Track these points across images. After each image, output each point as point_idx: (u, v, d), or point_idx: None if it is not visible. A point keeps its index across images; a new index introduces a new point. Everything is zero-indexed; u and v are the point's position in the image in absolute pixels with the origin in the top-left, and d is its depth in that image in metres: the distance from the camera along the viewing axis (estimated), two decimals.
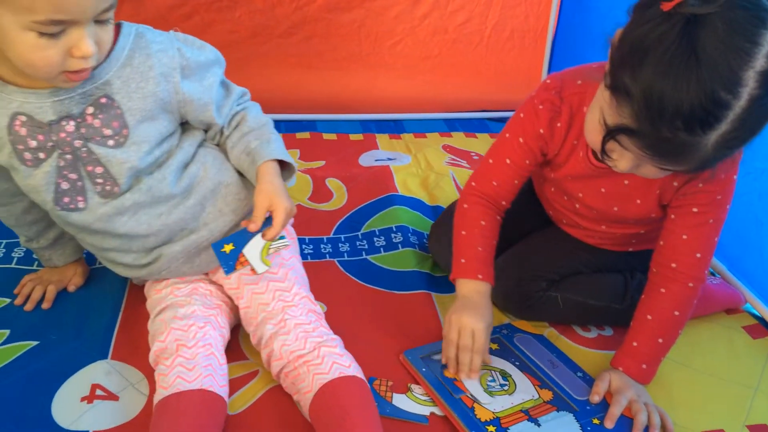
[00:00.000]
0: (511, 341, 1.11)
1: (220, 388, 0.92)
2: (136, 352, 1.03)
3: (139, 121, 0.93)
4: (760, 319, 1.22)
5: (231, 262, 0.96)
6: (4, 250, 1.24)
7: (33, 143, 0.90)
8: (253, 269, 0.97)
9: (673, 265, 0.99)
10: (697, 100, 0.72)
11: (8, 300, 1.12)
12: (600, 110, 0.83)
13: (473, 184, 1.12)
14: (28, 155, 0.91)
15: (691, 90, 0.72)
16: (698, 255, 0.99)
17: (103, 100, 0.90)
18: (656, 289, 1.01)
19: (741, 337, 1.18)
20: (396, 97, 1.97)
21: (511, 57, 1.99)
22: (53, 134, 0.90)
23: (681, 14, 0.73)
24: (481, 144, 1.86)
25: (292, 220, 1.11)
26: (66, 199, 0.95)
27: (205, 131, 1.04)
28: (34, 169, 0.92)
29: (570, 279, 1.14)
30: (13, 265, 1.21)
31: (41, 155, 0.91)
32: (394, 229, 1.41)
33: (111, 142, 0.92)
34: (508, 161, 1.07)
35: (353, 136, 1.84)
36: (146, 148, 0.94)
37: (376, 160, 1.71)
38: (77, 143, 0.91)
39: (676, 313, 1.00)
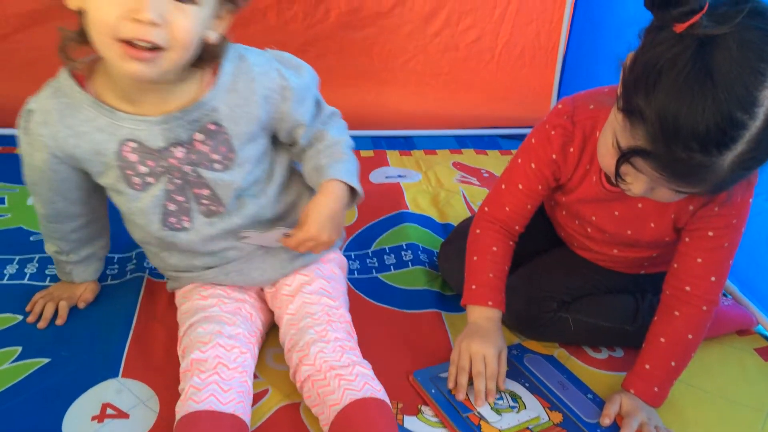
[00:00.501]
0: (520, 362, 1.11)
1: (247, 416, 0.92)
2: (147, 370, 1.04)
3: (244, 143, 0.95)
4: None
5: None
6: (17, 266, 1.25)
7: (143, 169, 0.92)
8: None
9: (687, 288, 0.99)
10: (713, 120, 0.71)
11: (21, 317, 1.13)
12: (613, 134, 0.83)
13: (486, 209, 1.12)
14: (137, 180, 0.93)
15: (706, 110, 0.71)
16: (713, 279, 0.98)
17: (211, 127, 0.92)
18: (670, 311, 1.01)
19: (753, 359, 1.17)
20: (407, 113, 1.98)
21: (522, 74, 2.00)
22: (163, 160, 0.92)
23: (694, 36, 0.73)
24: (491, 161, 1.87)
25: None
26: (172, 220, 0.98)
27: (291, 145, 1.06)
28: (142, 193, 0.95)
29: (581, 300, 1.14)
30: (25, 281, 1.22)
31: (150, 180, 0.94)
32: (405, 247, 1.41)
33: (218, 166, 0.94)
34: (520, 186, 1.08)
35: (364, 153, 1.85)
36: (248, 168, 0.97)
37: (387, 177, 1.72)
38: (187, 168, 0.93)
39: (690, 336, 1.00)
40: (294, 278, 1.08)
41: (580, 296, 1.14)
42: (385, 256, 1.38)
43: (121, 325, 1.13)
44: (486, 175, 1.77)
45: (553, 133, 1.01)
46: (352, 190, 1.02)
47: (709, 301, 0.99)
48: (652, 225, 1.01)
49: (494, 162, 1.86)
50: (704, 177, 0.77)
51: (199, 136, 0.92)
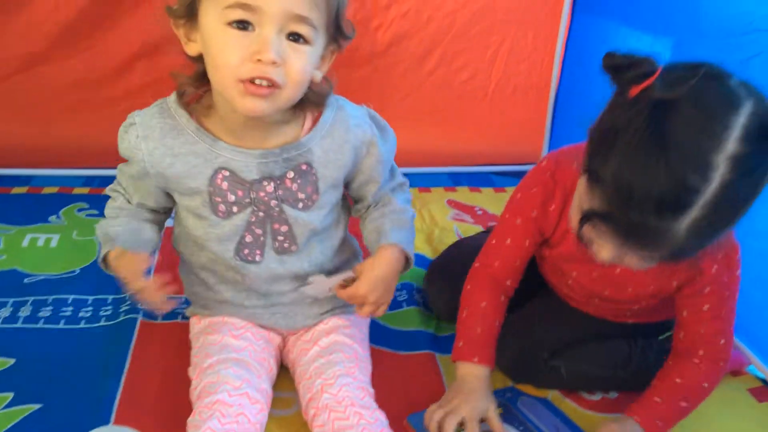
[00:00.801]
0: (515, 405, 1.11)
1: None
2: (140, 415, 1.03)
3: (329, 187, 1.00)
4: (765, 381, 1.21)
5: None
6: (11, 309, 1.26)
7: (232, 197, 0.96)
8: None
9: (701, 352, 1.01)
10: (666, 184, 0.71)
11: (13, 360, 1.13)
12: (579, 196, 0.84)
13: (477, 264, 1.13)
14: (222, 207, 0.97)
15: (660, 175, 0.71)
16: (722, 341, 1.00)
17: (304, 167, 0.97)
18: (689, 358, 1.02)
19: (746, 399, 1.17)
20: (402, 150, 1.94)
21: (514, 112, 2.02)
22: (253, 192, 0.96)
23: (649, 99, 0.73)
24: (485, 198, 1.88)
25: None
26: (246, 251, 1.01)
27: (356, 202, 1.11)
28: (224, 221, 0.98)
29: (573, 348, 1.14)
30: (18, 324, 1.22)
31: (235, 209, 0.97)
32: (399, 287, 1.41)
33: (300, 205, 0.99)
34: (508, 242, 1.08)
35: None
36: (325, 212, 1.02)
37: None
38: (273, 203, 0.98)
39: (705, 385, 1.01)
40: (330, 320, 1.10)
41: (571, 343, 1.14)
42: None
43: (113, 369, 1.12)
44: (480, 212, 1.78)
45: (534, 190, 1.03)
46: (406, 260, 1.06)
47: (724, 360, 1.01)
48: (630, 289, 1.02)
49: (488, 199, 1.87)
50: (661, 241, 0.75)
51: (290, 174, 0.97)
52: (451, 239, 1.61)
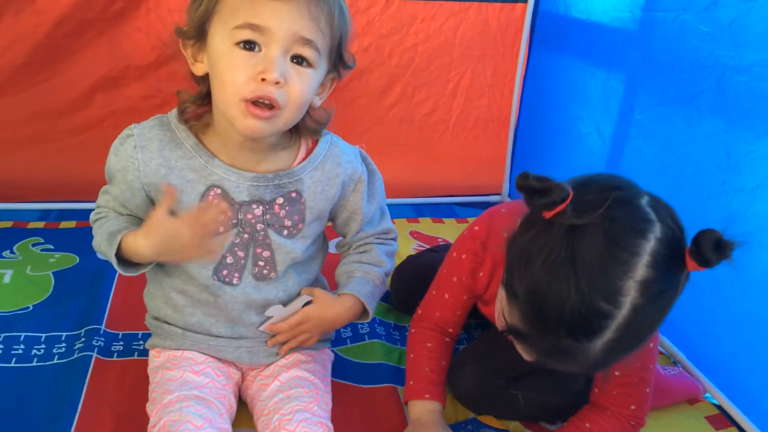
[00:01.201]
0: None
1: None
2: None
3: (314, 218, 1.03)
4: (722, 409, 1.23)
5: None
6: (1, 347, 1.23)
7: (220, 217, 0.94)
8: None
9: (611, 410, 1.02)
10: (577, 309, 0.72)
11: None
12: (501, 300, 0.85)
13: (420, 312, 1.16)
14: None
15: (571, 299, 0.72)
16: (633, 407, 1.01)
17: (294, 195, 1.00)
18: (603, 410, 1.03)
19: (703, 427, 1.19)
20: None
21: (476, 145, 2.05)
22: (241, 213, 0.98)
23: (561, 224, 0.74)
24: (447, 229, 1.89)
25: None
26: (224, 272, 1.01)
27: (343, 237, 1.14)
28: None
29: (529, 376, 1.14)
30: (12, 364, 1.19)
31: (221, 229, 0.97)
32: None
33: (285, 232, 1.01)
34: (446, 296, 1.12)
35: None
36: (308, 243, 1.04)
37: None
38: (259, 227, 0.99)
39: None
40: (292, 356, 1.10)
41: (527, 372, 1.15)
42: (342, 330, 1.37)
43: (67, 407, 1.09)
44: (442, 242, 1.79)
45: (464, 257, 1.06)
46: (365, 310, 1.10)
47: (637, 423, 1.01)
48: None
49: (451, 230, 1.88)
50: (577, 360, 0.77)
51: (280, 200, 0.99)
52: None
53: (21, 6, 1.58)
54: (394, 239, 1.16)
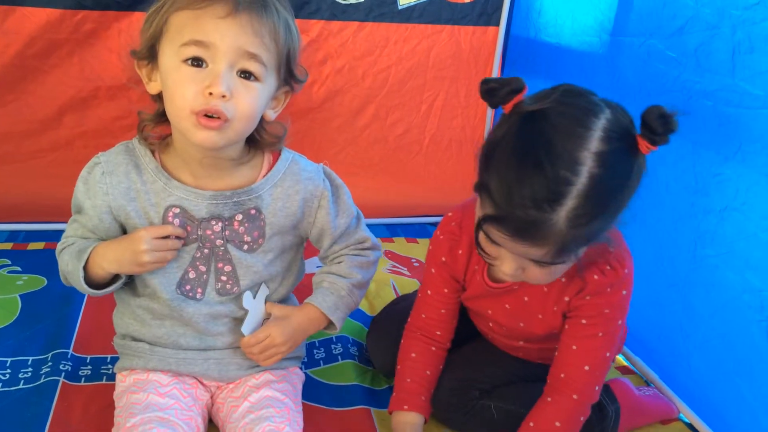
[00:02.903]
0: None
1: None
2: None
3: (275, 233, 1.04)
4: (693, 428, 1.24)
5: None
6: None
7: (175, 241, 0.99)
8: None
9: (562, 375, 1.02)
10: (540, 180, 0.79)
11: None
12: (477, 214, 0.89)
13: (409, 320, 1.17)
14: None
15: (534, 173, 0.79)
16: (586, 368, 1.01)
17: (252, 212, 1.02)
18: (544, 398, 1.03)
19: None
20: None
21: (449, 165, 2.07)
22: (201, 230, 1.00)
23: (520, 113, 0.83)
24: (421, 249, 1.89)
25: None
26: (187, 287, 1.03)
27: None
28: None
29: (502, 388, 1.15)
30: None
31: (182, 242, 1.00)
32: (334, 340, 1.40)
33: (245, 247, 1.03)
34: (429, 293, 1.13)
35: None
36: (271, 257, 1.06)
37: (317, 267, 1.71)
38: (218, 242, 1.02)
39: (557, 424, 1.01)
40: (262, 375, 1.09)
41: (500, 384, 1.16)
42: (315, 350, 1.37)
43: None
44: (416, 264, 1.79)
45: (441, 237, 1.09)
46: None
47: (581, 391, 1.01)
48: (540, 317, 1.05)
49: (425, 250, 1.83)
50: (544, 233, 0.81)
51: (239, 217, 1.01)
52: (388, 293, 1.62)
53: None
54: (370, 249, 1.16)
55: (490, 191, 0.83)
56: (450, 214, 1.10)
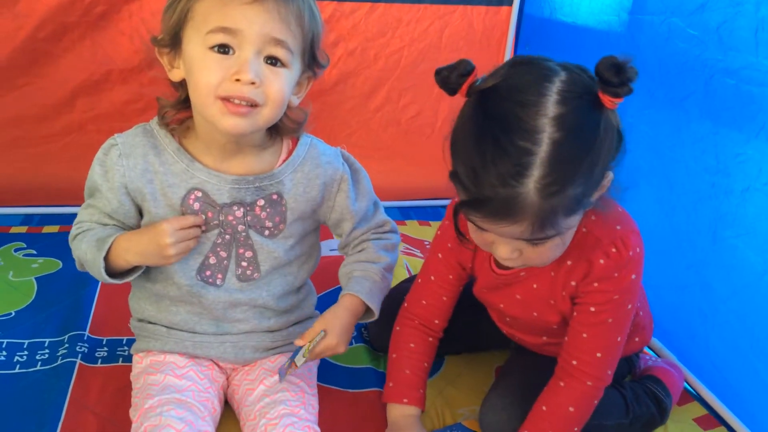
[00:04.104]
0: None
1: None
2: None
3: (296, 219, 1.04)
4: (712, 409, 1.23)
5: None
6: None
7: (202, 218, 0.99)
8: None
9: (574, 362, 0.99)
10: (500, 156, 0.77)
11: None
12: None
13: (405, 305, 1.14)
14: None
15: (493, 150, 0.77)
16: (598, 355, 0.97)
17: (274, 197, 1.01)
18: (557, 382, 1.00)
19: (692, 429, 1.19)
20: None
21: None
22: (222, 215, 1.00)
23: (475, 93, 0.82)
24: (434, 231, 1.86)
25: None
26: (208, 272, 1.03)
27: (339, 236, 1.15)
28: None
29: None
30: None
31: (203, 229, 0.99)
32: None
33: (267, 232, 1.03)
34: (432, 278, 1.11)
35: None
36: (291, 243, 1.05)
37: (331, 251, 1.71)
38: (240, 228, 1.01)
39: (571, 409, 0.98)
40: (277, 359, 1.09)
41: None
42: None
43: (50, 414, 1.07)
44: (429, 246, 1.78)
45: (447, 223, 1.07)
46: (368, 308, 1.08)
47: (595, 377, 0.98)
48: (552, 302, 1.01)
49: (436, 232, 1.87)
50: (519, 209, 0.78)
51: (261, 202, 1.01)
52: (401, 273, 1.61)
53: (0, 10, 1.56)
54: (391, 231, 1.16)
55: (459, 178, 0.82)
56: (457, 199, 1.07)
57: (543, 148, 0.76)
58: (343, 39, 1.84)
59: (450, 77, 0.83)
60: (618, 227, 0.94)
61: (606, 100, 0.78)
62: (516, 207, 0.78)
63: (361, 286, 1.07)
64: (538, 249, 0.86)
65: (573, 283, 0.97)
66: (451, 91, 0.84)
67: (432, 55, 1.92)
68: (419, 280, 1.13)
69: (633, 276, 0.95)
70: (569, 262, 0.96)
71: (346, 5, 1.80)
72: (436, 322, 1.12)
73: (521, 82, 0.80)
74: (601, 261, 0.93)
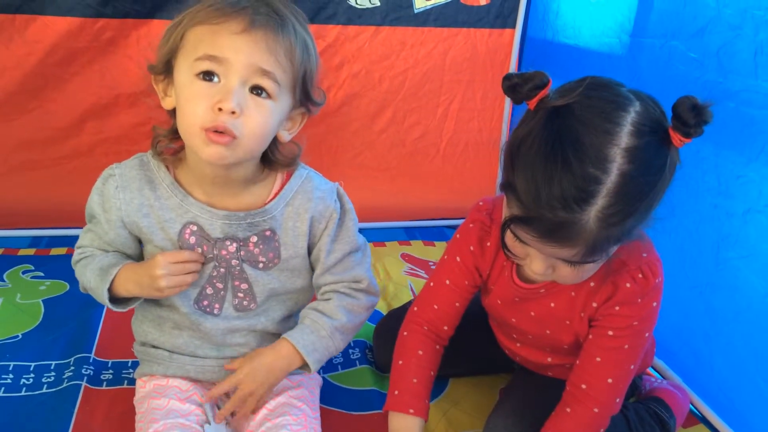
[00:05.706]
0: None
1: None
2: None
3: (290, 254, 1.03)
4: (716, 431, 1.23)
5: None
6: None
7: (198, 251, 0.99)
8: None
9: (583, 386, 0.98)
10: (567, 180, 0.76)
11: None
12: (504, 212, 0.88)
13: (415, 309, 1.12)
14: None
15: (561, 172, 0.76)
16: (609, 380, 0.97)
17: (267, 233, 1.00)
18: (563, 408, 0.99)
19: None
20: (356, 206, 1.97)
21: (466, 168, 2.06)
22: (216, 249, 1.00)
23: (545, 109, 0.80)
24: (439, 252, 1.87)
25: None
26: (205, 302, 1.03)
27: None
28: None
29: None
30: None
31: (202, 263, 1.00)
32: (352, 345, 1.40)
33: (261, 266, 1.02)
34: (447, 282, 1.09)
35: None
36: (287, 275, 1.05)
37: None
38: (234, 262, 1.01)
39: None
40: (280, 382, 1.08)
41: None
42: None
43: None
44: (433, 267, 1.78)
45: (471, 226, 1.06)
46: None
47: (602, 404, 0.97)
48: (567, 323, 1.01)
49: (441, 253, 1.87)
50: (574, 234, 0.78)
51: (254, 239, 1.00)
52: (405, 294, 1.62)
53: (11, 35, 1.59)
54: (364, 291, 1.09)
55: (516, 191, 0.80)
56: (481, 203, 1.06)
57: (611, 179, 0.76)
58: (347, 62, 1.86)
59: (522, 87, 0.82)
60: (644, 255, 0.94)
61: (676, 138, 0.79)
62: (572, 231, 0.78)
63: (303, 337, 1.03)
64: (573, 268, 0.86)
65: (594, 305, 0.97)
66: (518, 100, 0.83)
67: (436, 77, 1.93)
68: (431, 284, 1.11)
69: (654, 303, 0.95)
70: (592, 284, 0.96)
71: (351, 29, 1.82)
72: (445, 328, 1.10)
73: (598, 106, 0.78)
74: (628, 285, 0.93)
